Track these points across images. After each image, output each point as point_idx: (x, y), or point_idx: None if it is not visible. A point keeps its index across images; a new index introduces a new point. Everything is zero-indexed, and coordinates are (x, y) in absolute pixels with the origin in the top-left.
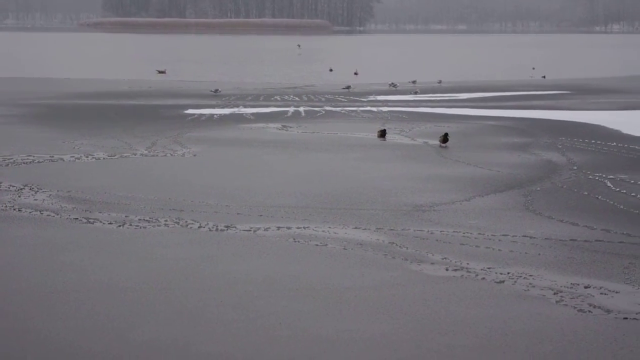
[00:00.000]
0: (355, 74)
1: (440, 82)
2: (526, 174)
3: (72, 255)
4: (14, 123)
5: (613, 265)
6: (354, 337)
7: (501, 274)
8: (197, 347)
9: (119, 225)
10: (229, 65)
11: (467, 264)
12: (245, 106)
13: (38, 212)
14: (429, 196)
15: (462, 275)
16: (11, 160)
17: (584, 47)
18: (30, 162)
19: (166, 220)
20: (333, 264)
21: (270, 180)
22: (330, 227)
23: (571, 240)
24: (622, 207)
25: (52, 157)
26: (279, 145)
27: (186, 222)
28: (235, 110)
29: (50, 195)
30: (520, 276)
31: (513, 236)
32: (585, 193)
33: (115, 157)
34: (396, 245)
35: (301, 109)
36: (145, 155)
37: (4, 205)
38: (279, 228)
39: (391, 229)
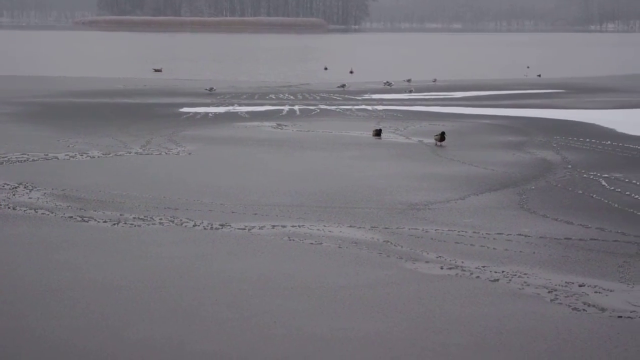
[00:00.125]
0: (351, 72)
1: (435, 80)
2: (521, 172)
3: (66, 253)
4: (8, 121)
5: (607, 263)
6: (349, 336)
7: (496, 272)
8: (192, 345)
9: (114, 224)
10: (223, 63)
11: (462, 262)
12: (240, 105)
13: (32, 211)
14: (424, 195)
15: (457, 274)
16: (6, 159)
17: (579, 46)
18: (24, 161)
19: (161, 219)
20: (328, 262)
21: (265, 179)
22: (325, 226)
23: (566, 238)
24: (616, 205)
25: (47, 155)
26: (274, 143)
27: (181, 220)
28: (230, 108)
29: (45, 193)
30: (515, 275)
31: (508, 235)
32: (580, 192)
33: (110, 155)
34: (391, 243)
35: (296, 107)
36: (140, 154)
37: None
38: (273, 226)
39: (386, 228)
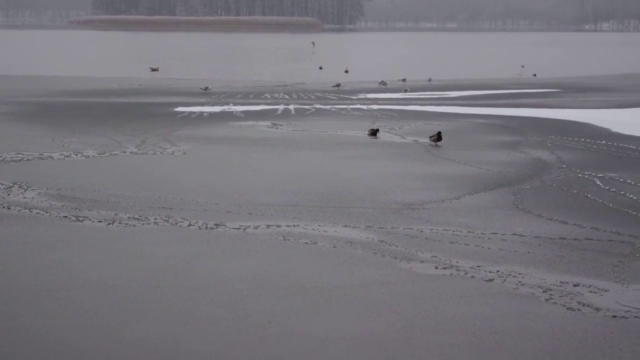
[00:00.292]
0: (346, 71)
1: (430, 80)
2: (516, 172)
3: (61, 253)
4: (3, 121)
5: (602, 263)
6: (344, 336)
7: (490, 272)
8: (187, 345)
9: (109, 224)
10: (218, 63)
11: (457, 262)
12: (235, 104)
13: (27, 210)
14: (419, 194)
15: (452, 274)
16: (0, 158)
17: (574, 45)
18: (19, 160)
19: (156, 219)
20: (323, 262)
21: (260, 179)
22: (320, 226)
23: (560, 238)
24: (611, 205)
25: (42, 155)
26: (269, 143)
27: (176, 220)
28: (225, 108)
29: (40, 193)
30: (510, 274)
31: (502, 234)
32: (575, 191)
33: (105, 155)
34: (386, 243)
35: (291, 106)
36: (135, 153)
37: None
38: (268, 226)
39: (381, 227)
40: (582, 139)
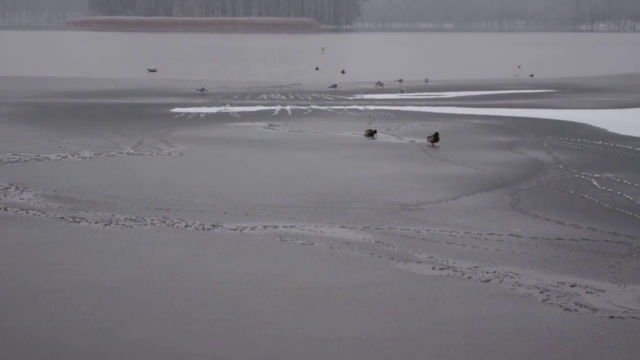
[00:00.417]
0: (342, 72)
1: (426, 80)
2: (512, 172)
3: (58, 254)
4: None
5: (599, 264)
6: (340, 337)
7: (487, 272)
8: (183, 346)
9: (105, 225)
10: (215, 63)
11: (454, 262)
12: (231, 105)
13: (24, 212)
14: (416, 195)
15: (449, 274)
16: None
17: (571, 45)
18: (16, 161)
19: (152, 220)
20: (319, 263)
21: (256, 179)
22: (316, 226)
23: (557, 239)
24: (608, 205)
25: (38, 156)
26: (266, 144)
27: (172, 221)
28: (221, 109)
29: (37, 194)
30: (507, 275)
31: (499, 235)
32: (572, 192)
33: (102, 156)
34: (383, 244)
35: (288, 107)
36: (132, 154)
37: None
38: (265, 227)
39: (378, 228)
40: (579, 140)
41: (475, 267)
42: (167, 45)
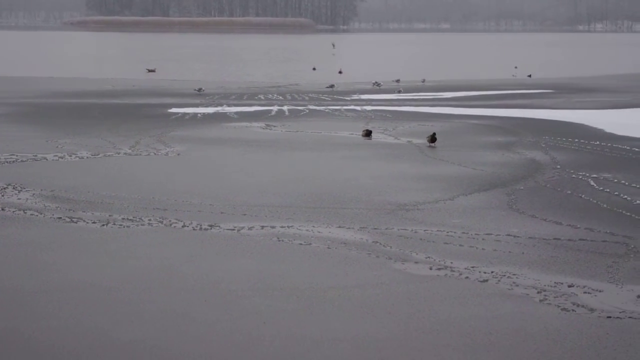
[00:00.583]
0: (340, 72)
1: (424, 81)
2: (510, 173)
3: (55, 254)
4: None
5: (597, 264)
6: (338, 337)
7: (485, 273)
8: (181, 346)
9: (103, 225)
10: (212, 64)
11: (451, 263)
12: (228, 105)
13: (21, 212)
14: (413, 195)
15: (446, 275)
16: None
17: (568, 46)
18: (13, 162)
19: (150, 220)
20: (317, 263)
21: (254, 180)
22: (314, 227)
23: (555, 239)
24: (605, 206)
25: (36, 156)
26: (263, 144)
27: (170, 221)
28: (218, 109)
29: (34, 194)
30: (504, 275)
31: (497, 235)
32: (569, 192)
33: (99, 156)
34: (380, 244)
35: (285, 107)
36: (129, 155)
37: None
38: (262, 227)
39: (375, 228)
40: (576, 140)
41: (472, 267)
42: (164, 45)
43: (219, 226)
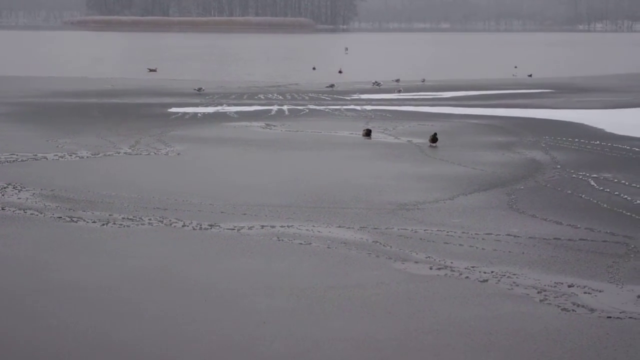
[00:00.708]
0: (340, 72)
1: (423, 80)
2: (510, 172)
3: (55, 254)
4: None
5: (597, 264)
6: (338, 336)
7: (485, 272)
8: (181, 346)
9: (103, 224)
10: (212, 63)
11: (451, 262)
12: (228, 105)
13: (22, 211)
14: (413, 195)
15: (446, 274)
16: None
17: (568, 45)
18: (13, 161)
19: (150, 219)
20: (317, 262)
21: (254, 179)
22: (314, 226)
23: (555, 239)
24: (605, 206)
25: (36, 155)
26: (263, 143)
27: (170, 221)
28: (218, 108)
29: (34, 194)
30: (504, 275)
31: (497, 235)
32: (569, 192)
33: (99, 155)
34: (380, 244)
35: (285, 107)
36: (129, 154)
37: None
38: (262, 227)
39: (375, 228)
40: (576, 140)
41: (472, 267)
42: (163, 45)
43: (219, 226)
